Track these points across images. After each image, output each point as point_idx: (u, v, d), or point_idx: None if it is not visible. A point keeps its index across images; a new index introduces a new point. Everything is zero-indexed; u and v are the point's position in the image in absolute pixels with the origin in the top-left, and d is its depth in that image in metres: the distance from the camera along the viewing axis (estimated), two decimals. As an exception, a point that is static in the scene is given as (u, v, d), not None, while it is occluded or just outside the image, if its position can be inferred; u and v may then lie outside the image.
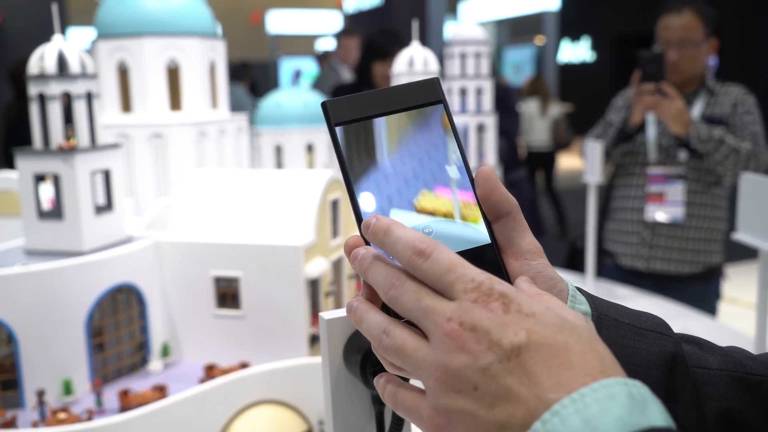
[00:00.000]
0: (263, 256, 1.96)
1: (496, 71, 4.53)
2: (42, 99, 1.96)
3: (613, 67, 13.84)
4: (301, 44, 17.27)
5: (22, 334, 1.78)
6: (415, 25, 2.74)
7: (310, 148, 2.62)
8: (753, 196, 1.96)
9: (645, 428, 0.41)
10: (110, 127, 2.38)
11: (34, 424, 1.69)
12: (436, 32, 11.24)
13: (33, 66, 1.96)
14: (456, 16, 15.66)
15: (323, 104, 0.57)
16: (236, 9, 15.81)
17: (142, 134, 2.40)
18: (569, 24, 15.44)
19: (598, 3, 14.51)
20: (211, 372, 1.94)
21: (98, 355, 1.91)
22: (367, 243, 0.55)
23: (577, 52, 15.65)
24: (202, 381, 1.89)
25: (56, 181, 1.93)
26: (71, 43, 2.00)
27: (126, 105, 2.49)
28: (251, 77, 7.22)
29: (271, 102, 2.65)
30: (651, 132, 2.80)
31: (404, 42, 2.78)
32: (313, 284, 2.02)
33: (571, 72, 15.56)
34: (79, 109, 1.98)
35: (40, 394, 1.73)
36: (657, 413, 0.42)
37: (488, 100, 2.99)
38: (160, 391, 1.83)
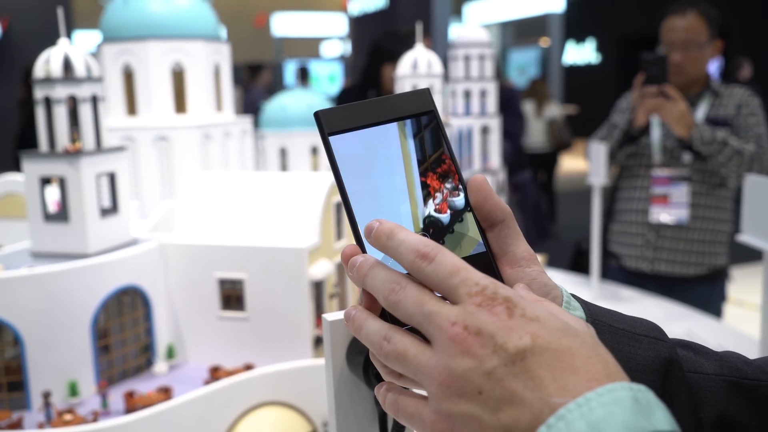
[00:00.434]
0: (267, 258, 1.97)
1: (501, 74, 4.54)
2: (48, 102, 1.97)
3: (618, 68, 13.82)
4: (306, 46, 17.30)
5: (28, 336, 1.79)
6: (419, 28, 2.74)
7: (314, 151, 2.62)
8: (757, 197, 1.95)
9: None
10: (115, 130, 2.39)
11: (40, 426, 1.70)
12: (440, 34, 11.24)
13: (39, 69, 1.97)
14: (461, 18, 15.66)
15: (316, 114, 0.57)
16: (241, 12, 15.84)
17: (147, 137, 2.41)
18: (574, 26, 15.42)
19: (603, 5, 14.50)
20: (215, 374, 1.94)
21: (104, 356, 1.92)
22: (363, 251, 0.55)
23: (582, 53, 15.63)
24: (207, 383, 1.90)
25: (62, 183, 1.94)
26: (77, 46, 2.01)
27: (131, 108, 2.50)
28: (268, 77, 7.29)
29: (275, 105, 2.66)
30: (655, 134, 2.80)
31: (413, 44, 2.78)
32: (317, 286, 2.02)
33: (576, 74, 15.54)
34: (85, 112, 1.99)
35: (46, 395, 1.74)
36: (662, 418, 0.42)
37: (492, 103, 2.99)
38: (165, 393, 1.83)
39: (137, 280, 1.97)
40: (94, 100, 2.02)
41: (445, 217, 0.58)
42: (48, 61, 1.97)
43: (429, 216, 0.58)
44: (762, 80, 8.36)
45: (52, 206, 2.06)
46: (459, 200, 0.59)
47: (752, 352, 2.05)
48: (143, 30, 2.43)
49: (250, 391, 1.77)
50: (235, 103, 3.25)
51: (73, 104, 1.98)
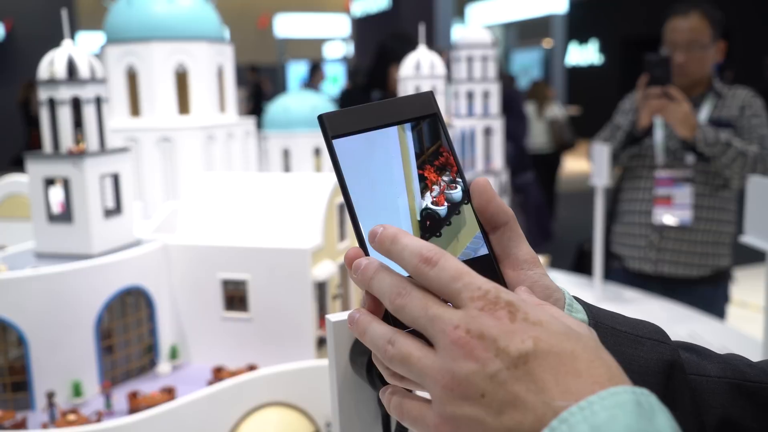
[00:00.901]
0: (271, 259, 1.97)
1: (507, 74, 4.54)
2: (52, 104, 1.97)
3: (621, 69, 13.80)
4: (309, 48, 17.31)
5: (32, 336, 1.80)
6: (422, 29, 2.74)
7: (317, 152, 2.63)
8: (760, 198, 1.95)
9: None
10: (119, 131, 2.40)
11: (44, 426, 1.71)
12: (443, 35, 11.25)
13: (43, 71, 1.98)
14: (464, 19, 15.66)
15: (320, 117, 0.57)
16: (244, 13, 15.86)
17: (150, 138, 2.41)
18: (577, 27, 15.41)
19: (606, 5, 14.49)
20: (219, 374, 1.94)
21: (107, 357, 1.93)
22: (366, 254, 0.55)
23: (585, 54, 15.62)
24: (210, 383, 1.90)
25: (66, 184, 1.95)
26: (81, 48, 2.02)
27: (135, 109, 2.50)
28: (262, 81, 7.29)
29: (278, 106, 2.67)
30: (659, 135, 2.79)
31: (419, 45, 2.79)
32: (321, 287, 2.02)
33: (579, 75, 15.53)
34: (89, 113, 1.99)
35: (50, 395, 1.74)
36: (665, 422, 0.42)
37: (495, 104, 2.99)
38: (169, 393, 1.84)
39: (141, 281, 1.98)
40: (98, 102, 2.03)
41: (442, 209, 0.58)
42: (52, 63, 1.97)
43: (426, 208, 0.58)
44: (765, 81, 8.34)
45: (56, 207, 2.07)
46: (456, 193, 0.59)
47: (756, 354, 2.05)
48: (147, 31, 2.43)
49: (253, 392, 1.77)
50: (239, 103, 3.25)
51: (77, 105, 1.98)
